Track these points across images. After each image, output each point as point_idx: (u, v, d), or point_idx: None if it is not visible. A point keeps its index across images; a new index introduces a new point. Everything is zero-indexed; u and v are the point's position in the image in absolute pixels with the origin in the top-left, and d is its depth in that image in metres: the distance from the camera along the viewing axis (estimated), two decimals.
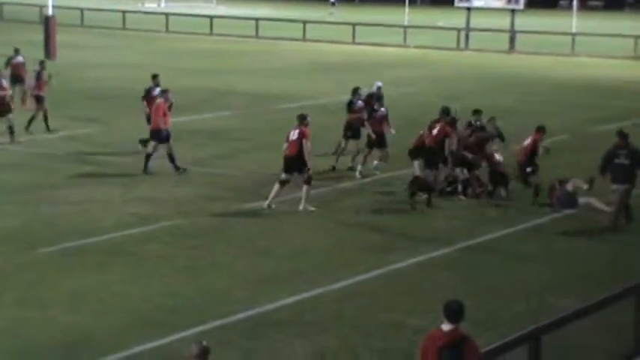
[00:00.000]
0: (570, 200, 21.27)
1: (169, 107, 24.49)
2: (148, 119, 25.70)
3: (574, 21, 62.58)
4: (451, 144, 22.06)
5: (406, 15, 67.14)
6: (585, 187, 21.13)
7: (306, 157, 20.62)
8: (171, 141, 24.11)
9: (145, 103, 26.67)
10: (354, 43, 62.14)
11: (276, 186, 21.02)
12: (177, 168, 24.07)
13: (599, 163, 20.12)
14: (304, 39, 63.82)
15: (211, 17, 69.00)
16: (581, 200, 21.22)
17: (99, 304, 15.04)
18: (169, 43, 61.51)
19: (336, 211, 21.01)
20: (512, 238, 19.25)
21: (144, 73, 44.47)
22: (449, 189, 22.42)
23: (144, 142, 25.30)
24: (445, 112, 22.58)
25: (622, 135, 20.03)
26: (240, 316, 14.58)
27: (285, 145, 21.01)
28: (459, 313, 9.51)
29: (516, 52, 58.53)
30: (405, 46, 61.35)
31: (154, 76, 27.11)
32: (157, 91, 26.12)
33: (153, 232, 19.00)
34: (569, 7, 75.15)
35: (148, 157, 24.02)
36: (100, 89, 38.98)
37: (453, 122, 22.88)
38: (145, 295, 15.44)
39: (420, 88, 40.43)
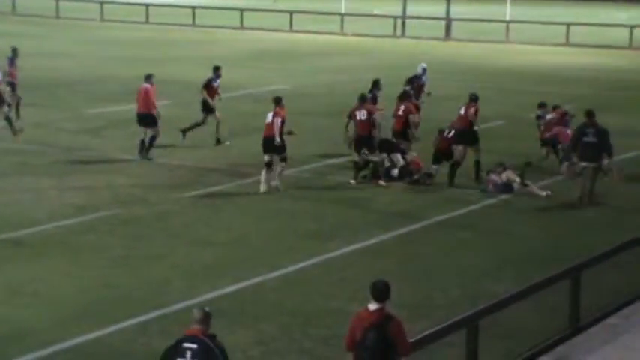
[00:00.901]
0: (505, 186, 21.54)
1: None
2: (204, 107, 26.36)
3: (508, 9, 63.14)
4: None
5: (343, 3, 67.21)
6: (517, 180, 21.42)
7: (276, 134, 21.20)
8: (158, 127, 24.41)
9: (204, 92, 26.79)
10: (291, 31, 62.09)
11: (263, 170, 21.43)
12: (146, 154, 24.24)
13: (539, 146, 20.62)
14: (242, 27, 63.62)
15: (147, 5, 68.44)
16: (517, 186, 21.55)
17: (34, 296, 14.91)
18: (104, 31, 60.92)
19: (275, 199, 21.03)
20: (449, 224, 19.43)
21: (78, 63, 44.25)
22: (388, 176, 22.57)
23: (184, 132, 26.11)
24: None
25: (590, 114, 20.53)
26: (180, 305, 14.54)
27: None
28: (385, 292, 9.77)
29: (452, 39, 58.92)
30: (343, 34, 61.44)
31: (217, 68, 27.31)
32: (218, 82, 26.73)
33: (90, 223, 18.87)
34: None
35: (142, 143, 24.28)
36: (33, 79, 38.47)
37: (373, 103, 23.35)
38: (83, 287, 15.34)
39: (357, 75, 40.52)
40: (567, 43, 55.59)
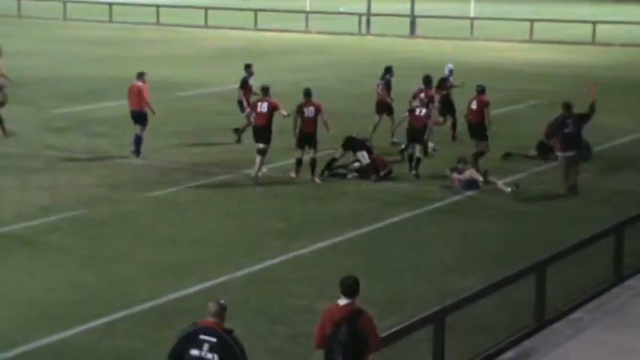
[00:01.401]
0: (470, 182, 21.62)
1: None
2: (240, 106, 26.45)
3: (472, 6, 63.38)
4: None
5: (308, 1, 67.20)
6: (480, 179, 21.50)
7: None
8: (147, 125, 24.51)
9: (241, 91, 26.83)
10: (256, 29, 62.00)
11: (257, 158, 22.00)
12: (138, 152, 24.31)
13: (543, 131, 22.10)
14: (206, 26, 63.44)
15: (110, 4, 68.12)
16: (481, 183, 21.63)
17: None
18: (67, 31, 60.54)
19: (240, 198, 20.98)
20: (416, 221, 19.47)
21: (41, 62, 43.92)
22: (353, 174, 22.61)
23: (238, 132, 26.10)
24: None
25: (567, 106, 21.41)
26: (146, 306, 14.49)
27: (253, 114, 22.68)
28: (354, 287, 9.85)
29: (417, 36, 59.07)
30: (307, 31, 61.43)
31: (248, 66, 27.34)
32: (252, 79, 26.81)
33: (54, 223, 18.74)
34: None
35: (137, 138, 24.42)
36: None
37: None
38: (48, 287, 15.22)
39: (322, 73, 40.52)
40: (531, 40, 55.87)
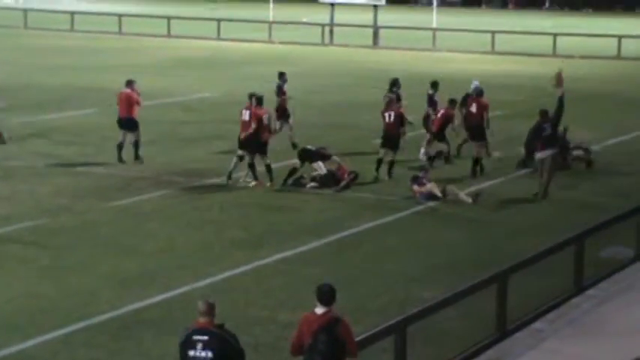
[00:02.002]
0: (431, 194, 21.65)
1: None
2: (282, 114, 26.64)
3: (434, 17, 63.65)
4: None
5: (271, 11, 67.18)
6: (439, 195, 21.52)
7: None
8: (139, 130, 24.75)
9: (278, 99, 27.15)
10: (219, 39, 61.86)
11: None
12: (137, 158, 24.63)
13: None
14: (169, 35, 63.24)
15: (72, 13, 67.71)
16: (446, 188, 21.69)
17: None
18: (28, 39, 60.07)
19: (202, 207, 20.92)
20: (378, 231, 19.50)
21: (1, 70, 43.52)
22: (313, 184, 22.60)
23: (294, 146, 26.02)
24: None
25: (544, 113, 22.28)
26: (107, 316, 14.40)
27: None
28: (331, 295, 9.91)
29: (380, 47, 59.21)
30: (270, 41, 61.39)
31: (281, 74, 27.92)
32: (286, 86, 27.24)
33: (13, 233, 18.59)
34: (429, 3, 76.45)
35: (120, 147, 24.63)
36: None
37: None
38: (7, 298, 15.09)
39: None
40: (493, 51, 56.16)
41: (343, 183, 22.47)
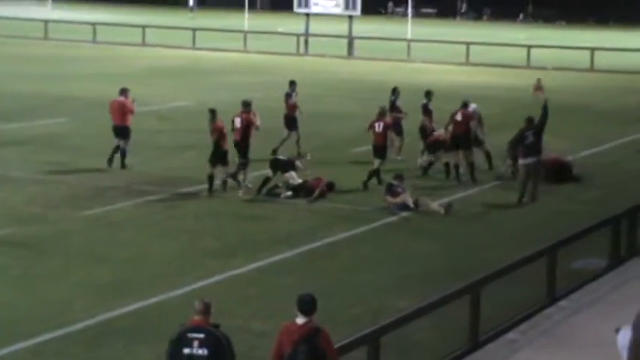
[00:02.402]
0: (404, 204, 21.69)
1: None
2: (288, 122, 27.07)
3: (409, 28, 63.87)
4: None
5: (246, 20, 67.20)
6: (411, 205, 21.55)
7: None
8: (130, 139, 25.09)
9: (286, 107, 27.43)
10: (194, 48, 61.81)
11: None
12: (123, 165, 24.97)
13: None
14: (144, 44, 63.12)
15: (46, 21, 67.48)
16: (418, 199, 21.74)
17: None
18: (1, 47, 59.73)
19: (176, 217, 20.88)
20: (351, 241, 19.52)
21: None
22: (287, 193, 22.61)
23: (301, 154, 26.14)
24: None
25: (530, 120, 22.85)
26: (80, 325, 14.34)
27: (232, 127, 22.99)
28: (312, 305, 9.94)
29: (355, 57, 59.34)
30: (246, 51, 61.42)
31: (292, 82, 28.07)
32: (294, 95, 27.44)
33: None
34: (404, 14, 76.72)
35: (115, 151, 24.92)
36: None
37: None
38: None
39: (259, 93, 40.50)
40: (468, 62, 56.41)
41: (316, 192, 22.47)
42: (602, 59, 54.13)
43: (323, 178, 23.10)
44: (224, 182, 22.77)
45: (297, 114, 27.45)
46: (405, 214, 21.43)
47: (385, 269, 17.63)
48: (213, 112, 23.07)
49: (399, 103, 27.27)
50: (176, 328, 9.97)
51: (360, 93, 41.87)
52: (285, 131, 27.11)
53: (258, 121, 23.08)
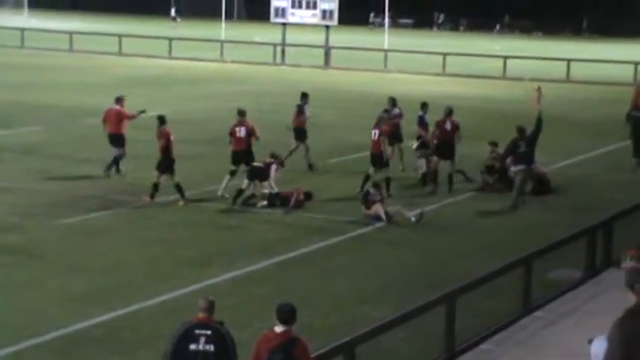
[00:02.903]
0: (377, 214, 21.69)
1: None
2: (297, 133, 27.10)
3: (386, 38, 64.03)
4: None
5: (223, 30, 67.19)
6: (383, 217, 21.51)
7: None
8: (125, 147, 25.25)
9: (296, 119, 27.40)
10: (170, 57, 61.76)
11: (227, 176, 23.06)
12: (118, 170, 25.26)
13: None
14: (120, 53, 63.01)
15: (22, 30, 67.27)
16: (390, 209, 21.74)
17: None
18: None
19: (152, 226, 20.84)
20: (327, 251, 19.53)
21: None
22: (263, 203, 22.62)
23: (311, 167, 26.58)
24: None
25: (521, 130, 23.40)
26: (55, 334, 14.28)
27: (229, 139, 23.64)
28: (291, 315, 9.95)
29: (332, 67, 59.44)
30: (222, 60, 61.42)
31: (304, 95, 28.10)
32: (307, 108, 27.41)
33: None
34: (381, 24, 76.91)
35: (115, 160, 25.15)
36: None
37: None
38: None
39: (236, 102, 40.48)
40: (444, 73, 56.60)
41: (292, 202, 22.45)
42: (578, 70, 54.43)
43: (300, 189, 23.11)
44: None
45: (307, 126, 27.43)
46: (379, 224, 21.44)
47: (361, 279, 17.65)
48: (161, 119, 23.10)
49: (428, 119, 26.73)
50: (179, 325, 10.15)
51: (337, 103, 41.95)
52: (294, 142, 27.09)
53: (258, 132, 23.50)
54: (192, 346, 9.85)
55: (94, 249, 18.94)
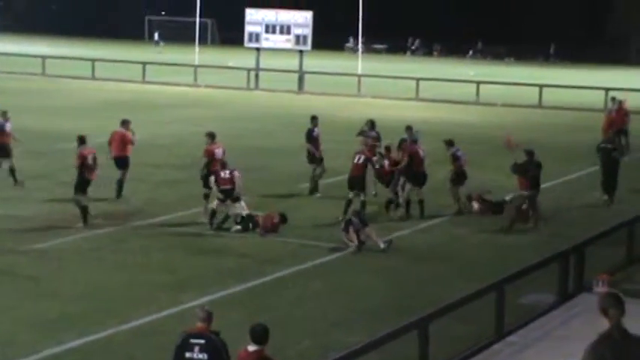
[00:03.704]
0: (351, 240, 21.66)
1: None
2: (311, 159, 27.24)
3: (359, 63, 64.26)
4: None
5: (196, 54, 67.24)
6: (354, 246, 21.45)
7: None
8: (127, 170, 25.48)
9: (309, 144, 27.42)
10: (144, 82, 61.68)
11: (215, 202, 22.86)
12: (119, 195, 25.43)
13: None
14: (93, 77, 62.89)
15: None
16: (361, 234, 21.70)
17: None
18: None
19: (126, 250, 20.77)
20: (301, 276, 19.52)
21: None
22: (237, 227, 22.60)
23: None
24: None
25: (531, 153, 24.31)
26: None
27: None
28: (263, 335, 10.34)
29: (305, 92, 59.54)
30: (196, 85, 61.41)
31: (314, 118, 27.99)
32: (316, 131, 27.34)
33: None
34: (355, 49, 77.20)
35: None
36: None
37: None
38: None
39: (209, 127, 40.45)
40: (417, 98, 56.79)
41: (263, 225, 22.42)
42: (550, 96, 54.77)
43: (274, 213, 23.10)
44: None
45: (321, 147, 27.48)
46: (353, 249, 21.42)
47: (334, 304, 17.65)
48: (81, 139, 23.13)
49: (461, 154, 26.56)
50: (181, 333, 10.87)
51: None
52: (311, 167, 27.09)
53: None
54: (188, 355, 10.58)
55: (67, 274, 18.85)
